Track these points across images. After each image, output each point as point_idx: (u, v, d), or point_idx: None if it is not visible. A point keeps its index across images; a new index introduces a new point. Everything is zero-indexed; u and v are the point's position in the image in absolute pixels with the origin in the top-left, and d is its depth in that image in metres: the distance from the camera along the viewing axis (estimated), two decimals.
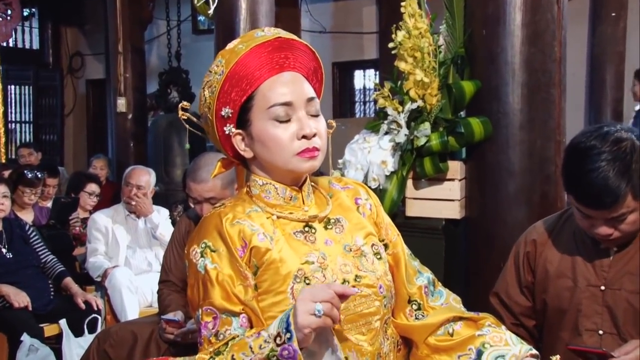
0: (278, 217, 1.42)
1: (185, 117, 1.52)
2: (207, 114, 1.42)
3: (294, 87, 1.38)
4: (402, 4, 3.02)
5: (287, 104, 1.36)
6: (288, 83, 1.38)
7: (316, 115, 1.40)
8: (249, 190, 1.47)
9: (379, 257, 1.47)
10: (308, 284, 1.36)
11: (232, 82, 1.37)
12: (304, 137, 1.36)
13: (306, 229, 1.43)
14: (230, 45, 1.40)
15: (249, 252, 1.37)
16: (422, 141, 2.97)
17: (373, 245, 1.48)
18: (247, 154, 1.42)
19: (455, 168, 3.09)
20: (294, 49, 1.41)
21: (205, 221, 1.43)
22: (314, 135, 1.38)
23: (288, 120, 1.37)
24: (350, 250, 1.44)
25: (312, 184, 1.51)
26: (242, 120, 1.40)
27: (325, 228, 1.45)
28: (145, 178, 4.51)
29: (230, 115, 1.39)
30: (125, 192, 4.48)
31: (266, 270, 1.37)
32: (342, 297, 1.26)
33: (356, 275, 1.41)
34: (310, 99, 1.39)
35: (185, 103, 1.54)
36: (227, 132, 1.41)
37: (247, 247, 1.37)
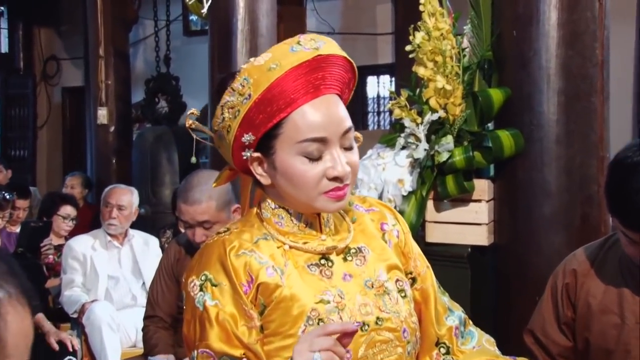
0: (290, 247, 1.41)
1: (194, 126, 1.51)
2: (223, 135, 1.40)
3: (330, 118, 1.36)
4: (421, 1, 3.04)
5: (320, 140, 1.35)
6: (324, 113, 1.35)
7: (350, 148, 1.39)
8: (259, 212, 1.46)
9: (403, 295, 1.46)
10: None
11: (260, 108, 1.34)
12: (335, 177, 1.36)
13: (322, 261, 1.42)
14: (259, 61, 1.35)
15: (255, 289, 1.36)
16: (444, 157, 2.98)
17: (397, 281, 1.47)
18: (265, 180, 1.41)
19: (482, 188, 3.09)
20: (332, 65, 1.38)
21: (207, 249, 1.41)
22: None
23: (319, 158, 1.36)
24: (372, 287, 1.43)
25: None
26: (265, 145, 1.38)
27: (345, 259, 1.44)
28: (126, 197, 4.53)
29: (252, 141, 1.38)
30: (105, 214, 4.50)
31: (275, 310, 1.36)
32: (347, 339, 1.24)
33: (377, 318, 1.40)
34: (347, 131, 1.38)
35: (194, 110, 1.53)
36: (244, 157, 1.40)
37: (254, 282, 1.36)
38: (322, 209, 1.39)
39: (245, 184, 1.52)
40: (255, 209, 1.48)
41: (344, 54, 1.41)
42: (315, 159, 1.35)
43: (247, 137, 1.37)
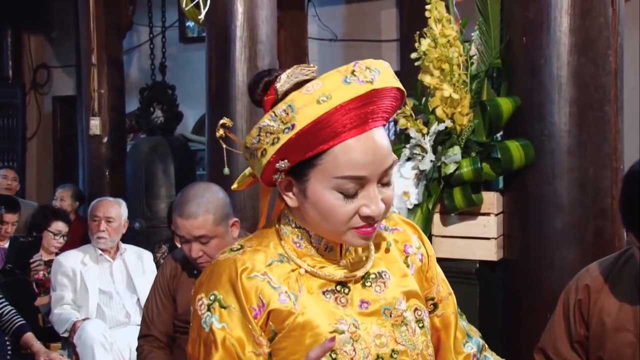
0: (306, 272, 1.41)
1: (224, 136, 1.49)
2: (256, 155, 1.37)
3: (374, 157, 1.33)
4: (427, 7, 3.06)
5: (359, 179, 1.33)
6: (368, 151, 1.32)
7: (388, 184, 1.37)
8: (278, 227, 1.46)
9: (421, 325, 1.46)
10: (334, 358, 1.34)
11: (302, 139, 1.31)
12: (367, 217, 1.34)
13: (338, 287, 1.41)
14: (309, 89, 1.30)
15: (266, 315, 1.36)
16: (451, 168, 2.99)
17: (416, 310, 1.47)
18: (292, 202, 1.39)
19: (491, 200, 3.09)
20: (384, 97, 1.34)
21: (217, 267, 1.41)
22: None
23: (355, 195, 1.34)
24: (390, 316, 1.42)
25: None
26: (299, 171, 1.36)
27: (363, 285, 1.44)
28: (114, 209, 4.55)
29: (286, 167, 1.36)
30: (93, 228, 4.51)
31: (286, 337, 1.36)
32: (321, 353, 1.25)
33: (393, 350, 1.40)
34: (388, 168, 1.36)
35: (226, 119, 1.51)
36: (274, 179, 1.39)
37: (265, 308, 1.36)
38: (348, 243, 1.38)
39: (265, 193, 1.50)
40: (275, 225, 1.46)
41: (398, 84, 1.37)
42: (350, 196, 1.33)
43: (282, 163, 1.35)
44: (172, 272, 2.96)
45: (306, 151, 1.32)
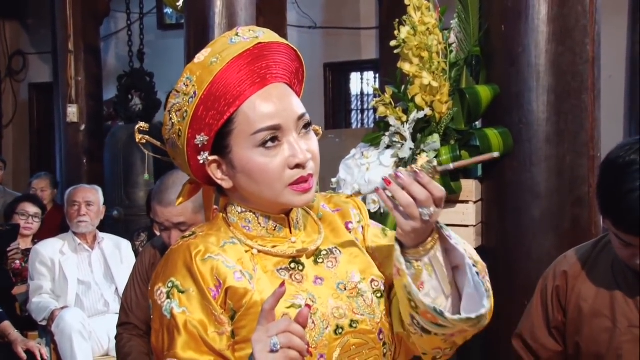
0: (259, 252, 1.43)
1: (144, 141, 1.51)
2: (175, 141, 1.41)
3: (282, 105, 1.37)
4: None
5: (275, 128, 1.36)
6: (274, 101, 1.37)
7: (307, 134, 1.41)
8: (225, 216, 1.48)
9: (379, 295, 1.48)
10: None
11: (207, 105, 1.36)
12: (297, 165, 1.37)
13: (292, 265, 1.44)
14: (200, 58, 1.38)
15: (224, 293, 1.37)
16: (430, 156, 3.00)
17: (373, 281, 1.49)
18: (226, 183, 1.42)
19: (470, 188, 3.11)
20: (275, 53, 1.40)
21: (172, 254, 1.42)
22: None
23: (277, 146, 1.37)
24: (345, 289, 1.44)
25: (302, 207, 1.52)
26: (220, 145, 1.39)
27: (315, 262, 1.46)
28: (92, 194, 4.57)
29: (206, 142, 1.39)
30: (73, 213, 4.50)
31: (245, 315, 1.37)
32: (302, 319, 1.25)
33: (351, 321, 1.42)
34: (301, 117, 1.40)
35: (142, 124, 1.53)
36: (201, 162, 1.41)
37: (222, 287, 1.37)
38: (289, 203, 1.40)
39: (209, 196, 1.54)
40: (221, 214, 1.49)
41: (286, 42, 1.43)
42: (272, 149, 1.36)
43: (200, 139, 1.38)
44: (151, 260, 2.95)
45: (217, 118, 1.36)
